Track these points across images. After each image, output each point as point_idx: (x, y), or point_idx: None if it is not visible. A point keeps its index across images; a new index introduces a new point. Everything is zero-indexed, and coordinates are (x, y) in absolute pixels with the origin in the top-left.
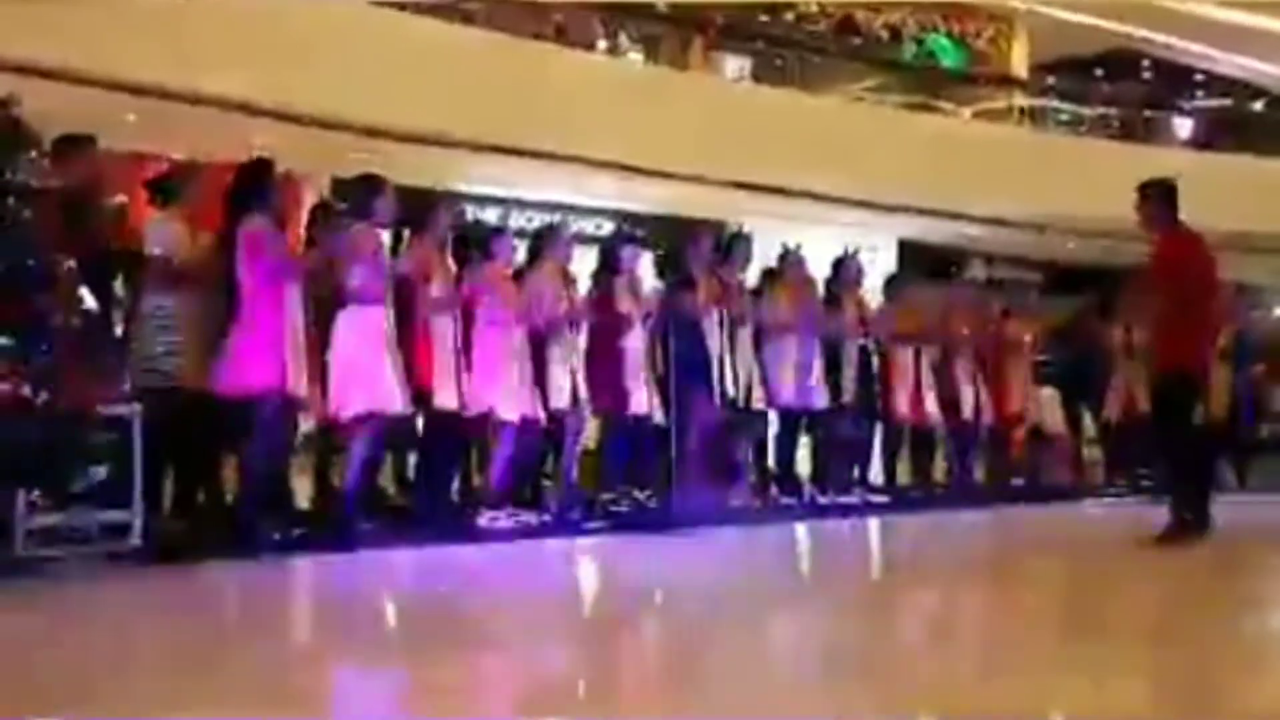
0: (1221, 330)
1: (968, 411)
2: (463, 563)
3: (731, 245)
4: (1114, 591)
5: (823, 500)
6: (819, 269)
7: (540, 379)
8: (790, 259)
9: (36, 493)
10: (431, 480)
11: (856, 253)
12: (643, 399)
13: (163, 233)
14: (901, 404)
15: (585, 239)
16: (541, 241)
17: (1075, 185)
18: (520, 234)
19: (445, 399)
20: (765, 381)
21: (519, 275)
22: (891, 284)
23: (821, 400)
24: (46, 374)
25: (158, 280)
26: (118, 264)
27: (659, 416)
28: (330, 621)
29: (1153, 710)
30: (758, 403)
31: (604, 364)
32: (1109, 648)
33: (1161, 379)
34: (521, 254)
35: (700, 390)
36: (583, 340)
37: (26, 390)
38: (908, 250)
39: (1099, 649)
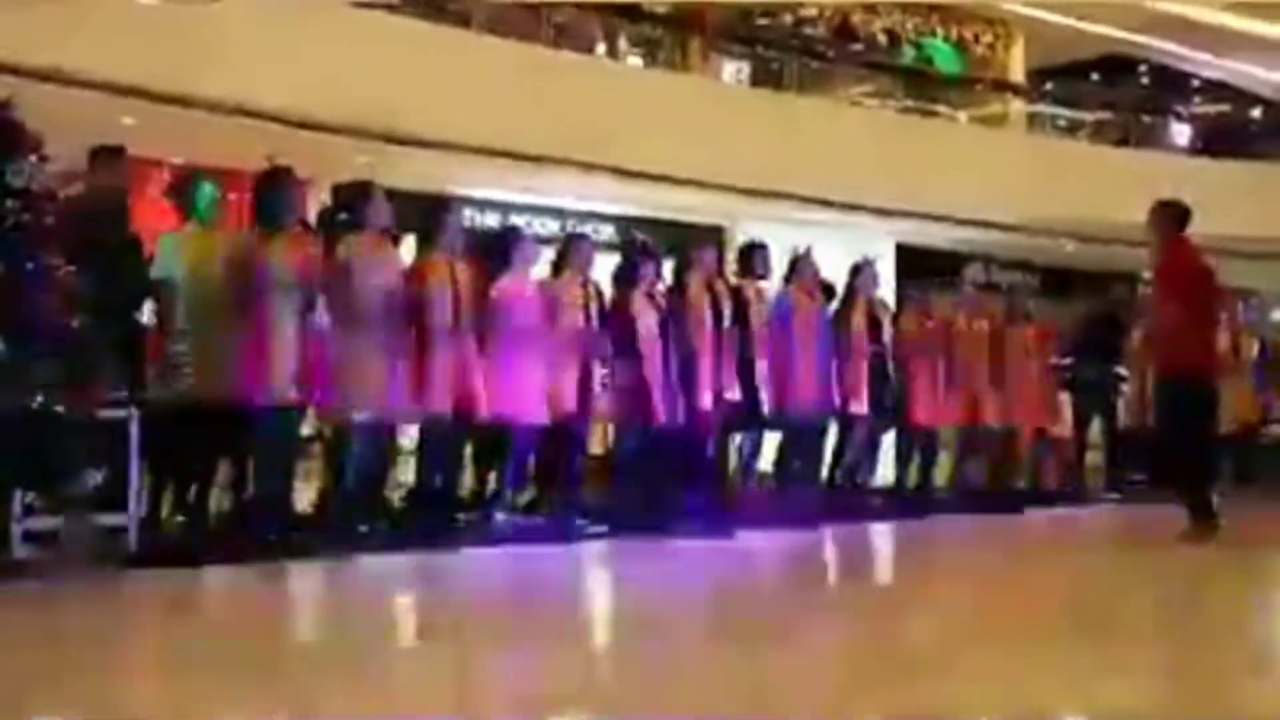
0: (1223, 335)
1: (973, 415)
2: (468, 567)
3: (749, 255)
4: (1119, 593)
5: (828, 505)
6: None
7: (553, 384)
8: (802, 261)
9: (33, 496)
10: (436, 485)
11: (874, 260)
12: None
13: (165, 253)
14: (917, 410)
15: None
16: (564, 250)
17: (1073, 190)
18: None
19: (447, 406)
20: (779, 386)
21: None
22: (899, 291)
23: (835, 405)
24: (43, 377)
25: (162, 300)
26: (125, 271)
27: (669, 423)
28: (326, 625)
29: (1156, 711)
30: (769, 408)
31: (621, 372)
32: (1113, 648)
33: (1173, 385)
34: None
35: (694, 399)
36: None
37: (23, 393)
38: (905, 254)
39: (1102, 650)
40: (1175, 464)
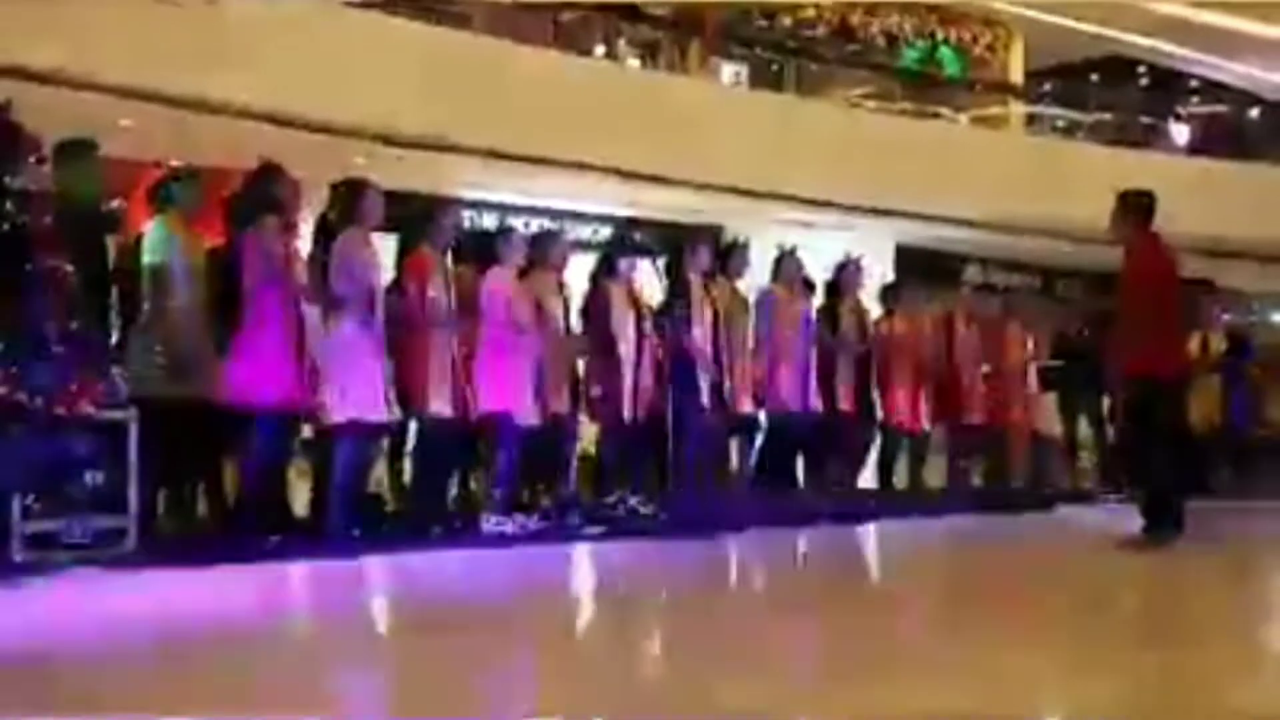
0: (1194, 335)
1: (965, 416)
2: (459, 567)
3: (729, 253)
4: (1109, 595)
5: (817, 505)
6: (817, 273)
7: (540, 383)
8: (786, 260)
9: (32, 498)
10: (428, 486)
11: (859, 259)
12: (636, 404)
13: (156, 239)
14: (898, 410)
15: (583, 245)
16: (539, 248)
17: (1071, 190)
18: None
19: (440, 406)
20: (764, 386)
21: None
22: (890, 291)
23: (818, 405)
24: (42, 379)
25: (153, 287)
26: (116, 270)
27: (657, 422)
28: (324, 626)
29: (1149, 711)
30: (754, 407)
31: (598, 369)
32: (1106, 650)
33: (1136, 385)
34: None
35: (694, 396)
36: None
37: (22, 395)
38: (904, 255)
39: (1096, 651)
40: (1136, 464)
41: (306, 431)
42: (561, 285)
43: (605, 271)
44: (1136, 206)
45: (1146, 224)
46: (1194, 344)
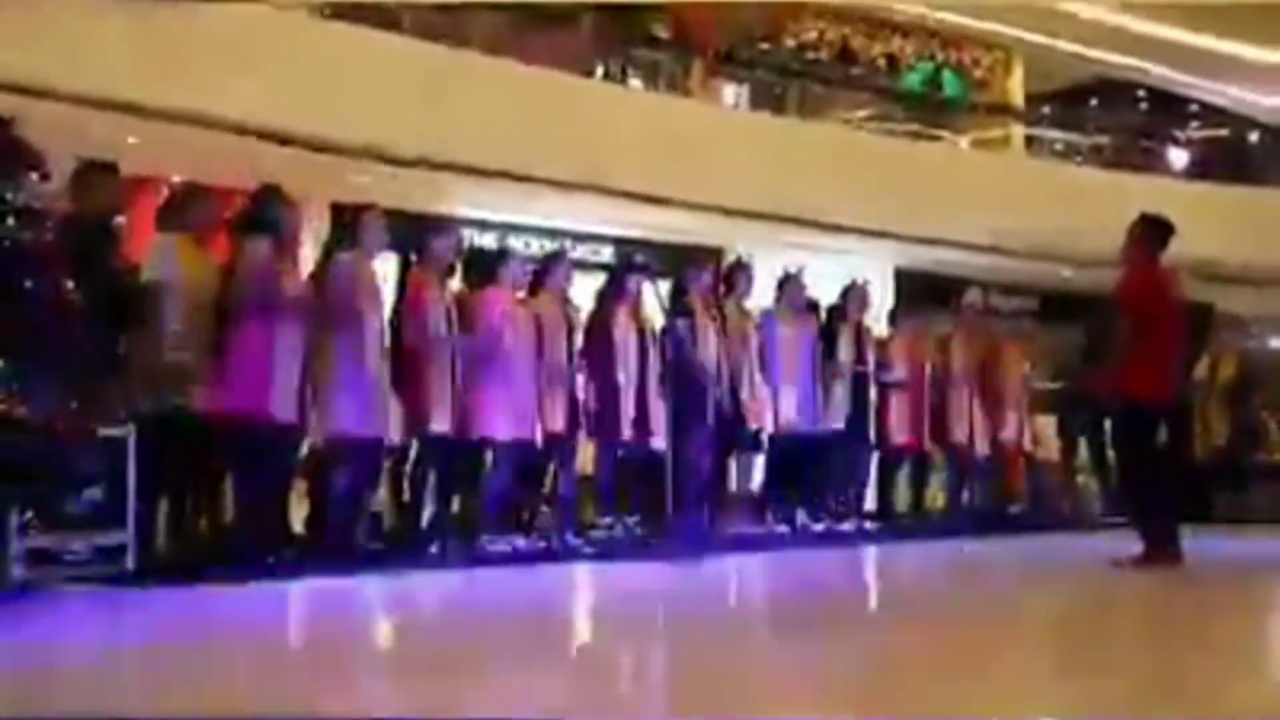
0: (1194, 360)
1: (965, 438)
2: (456, 588)
3: (732, 274)
4: (1104, 616)
5: (817, 527)
6: (818, 296)
7: (539, 404)
8: (790, 282)
9: (31, 514)
10: (426, 505)
11: (866, 283)
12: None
13: (162, 256)
14: (898, 431)
15: (584, 266)
16: (542, 269)
17: (1071, 214)
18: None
19: (439, 426)
20: (769, 407)
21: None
22: (893, 314)
23: (820, 426)
24: (42, 395)
25: (157, 304)
26: (121, 288)
27: (657, 444)
28: (325, 643)
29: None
30: (757, 428)
31: (598, 389)
32: (1101, 679)
33: (1122, 409)
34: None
35: (697, 419)
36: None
37: (22, 411)
38: (903, 278)
39: (1091, 679)
40: (1130, 489)
41: (305, 449)
42: (567, 306)
43: (613, 292)
44: (1143, 234)
45: (1146, 248)
46: (1203, 368)
